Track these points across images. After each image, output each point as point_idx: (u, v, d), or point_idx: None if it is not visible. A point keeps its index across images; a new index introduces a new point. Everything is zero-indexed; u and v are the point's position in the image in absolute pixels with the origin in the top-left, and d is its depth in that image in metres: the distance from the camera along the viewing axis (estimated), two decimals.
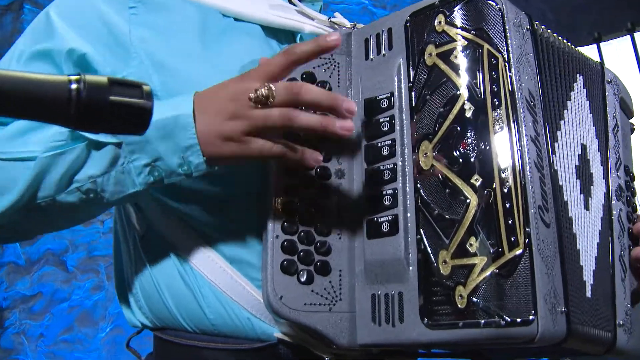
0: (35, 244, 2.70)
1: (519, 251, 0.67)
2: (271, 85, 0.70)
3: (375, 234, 0.75)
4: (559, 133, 0.80)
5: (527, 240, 0.68)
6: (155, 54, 0.82)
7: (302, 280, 0.75)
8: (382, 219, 0.74)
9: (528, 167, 0.71)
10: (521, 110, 0.73)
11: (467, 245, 0.68)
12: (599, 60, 1.32)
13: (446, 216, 0.70)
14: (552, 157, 0.76)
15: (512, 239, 0.67)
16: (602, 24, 2.35)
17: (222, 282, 0.82)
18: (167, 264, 0.86)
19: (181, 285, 0.84)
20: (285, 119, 0.70)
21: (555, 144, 0.79)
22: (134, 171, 0.73)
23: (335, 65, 0.84)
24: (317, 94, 0.71)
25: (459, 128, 0.72)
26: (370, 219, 0.76)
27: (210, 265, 0.83)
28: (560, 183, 0.78)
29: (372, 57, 0.83)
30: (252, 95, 0.70)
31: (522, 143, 0.72)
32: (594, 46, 2.24)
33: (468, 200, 0.69)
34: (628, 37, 2.24)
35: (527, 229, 0.68)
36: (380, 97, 0.79)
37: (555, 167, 0.76)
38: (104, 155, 0.73)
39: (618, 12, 2.34)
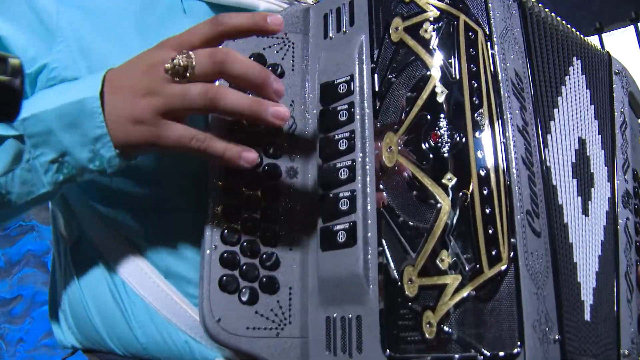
0: (15, 245, 2.58)
1: (501, 267, 0.54)
2: (190, 52, 0.57)
3: (329, 245, 0.62)
4: (552, 123, 0.67)
5: (512, 253, 0.55)
6: (84, 38, 0.70)
7: (244, 299, 0.62)
8: (338, 227, 0.61)
9: (514, 164, 0.58)
10: (506, 95, 0.60)
11: (437, 261, 0.55)
12: None
13: (413, 224, 0.57)
14: (544, 152, 0.63)
15: (494, 252, 0.54)
16: (604, 14, 2.21)
17: (156, 298, 0.70)
18: (95, 277, 0.73)
19: (109, 302, 0.72)
20: (207, 98, 0.57)
21: (548, 136, 0.66)
22: (40, 169, 0.61)
23: (289, 46, 0.72)
24: (245, 66, 0.57)
25: (429, 116, 0.59)
26: (324, 227, 0.63)
27: (142, 278, 0.70)
28: (554, 183, 0.65)
29: (331, 35, 0.70)
30: (167, 65, 0.56)
31: (507, 134, 0.59)
32: (596, 37, 2.11)
33: (439, 205, 0.56)
34: (632, 27, 2.10)
35: (512, 240, 0.55)
36: (338, 81, 0.66)
37: (548, 164, 0.63)
38: (4, 151, 0.60)
39: (621, 1, 2.21)
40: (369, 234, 0.60)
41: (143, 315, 0.70)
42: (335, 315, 0.60)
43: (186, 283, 0.69)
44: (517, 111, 0.61)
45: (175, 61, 0.56)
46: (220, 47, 0.59)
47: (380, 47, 0.64)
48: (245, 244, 0.64)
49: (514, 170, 0.58)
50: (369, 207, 0.60)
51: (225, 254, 0.63)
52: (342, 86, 0.65)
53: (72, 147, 0.60)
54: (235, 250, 0.63)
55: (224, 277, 0.62)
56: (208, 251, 0.63)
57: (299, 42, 0.72)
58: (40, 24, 0.69)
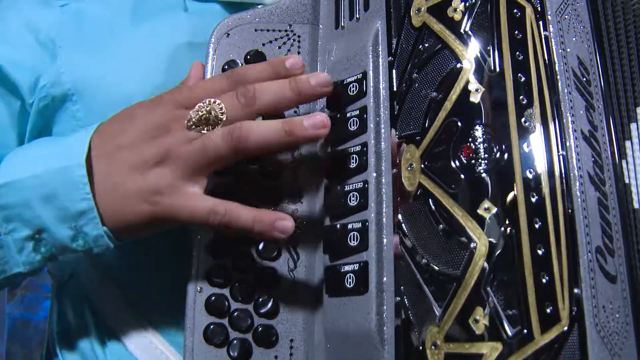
0: None
1: (560, 331, 0.39)
2: (214, 99, 0.49)
3: (336, 290, 0.48)
4: (632, 127, 0.51)
5: (575, 309, 0.40)
6: (70, 46, 0.61)
7: (234, 354, 0.50)
8: (346, 268, 0.48)
9: (578, 183, 0.43)
10: (565, 90, 0.45)
11: (470, 321, 0.41)
12: None
13: (438, 268, 0.43)
14: (621, 165, 0.47)
15: (549, 309, 0.39)
16: None
17: (144, 351, 0.59)
18: (80, 318, 0.64)
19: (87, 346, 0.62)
20: (232, 139, 0.47)
21: (627, 144, 0.49)
22: (13, 246, 0.51)
23: (294, 40, 0.59)
24: (272, 92, 0.49)
25: (459, 123, 0.45)
26: (330, 266, 0.50)
27: (130, 328, 0.60)
28: (636, 206, 0.48)
29: (343, 23, 0.57)
30: (190, 116, 0.49)
31: (568, 143, 0.43)
32: None
33: (473, 244, 0.42)
34: None
35: (575, 290, 0.40)
36: (348, 80, 0.53)
37: (627, 181, 0.47)
38: None
39: None
40: (385, 279, 0.46)
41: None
42: None
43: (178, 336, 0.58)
44: (581, 111, 0.45)
45: (201, 112, 0.49)
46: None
47: (399, 35, 0.50)
48: (237, 284, 0.52)
49: (578, 193, 0.42)
50: (384, 244, 0.47)
51: (213, 298, 0.51)
52: (353, 86, 0.52)
53: (50, 223, 0.50)
54: (223, 293, 0.52)
55: (210, 326, 0.51)
56: (192, 294, 0.51)
57: (305, 34, 0.59)
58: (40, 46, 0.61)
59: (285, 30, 0.59)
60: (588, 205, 0.43)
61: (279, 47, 0.58)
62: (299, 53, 0.58)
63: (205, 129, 0.48)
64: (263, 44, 0.58)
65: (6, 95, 0.60)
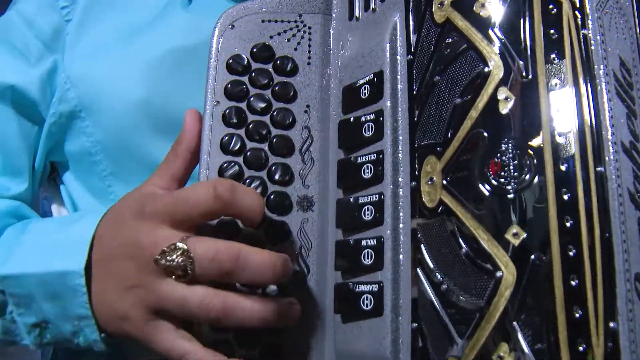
0: None
1: None
2: (187, 248, 0.43)
3: (350, 314, 0.45)
4: None
5: (610, 344, 0.36)
6: (72, 57, 0.62)
7: None
8: (361, 288, 0.45)
9: (616, 203, 0.39)
10: (605, 96, 0.40)
11: (493, 357, 0.37)
12: None
13: (461, 297, 0.39)
14: None
15: (581, 347, 0.36)
16: None
17: None
18: None
19: None
20: (210, 316, 0.43)
21: None
22: (22, 328, 0.52)
23: (304, 32, 0.54)
24: (257, 271, 0.43)
25: (486, 134, 0.40)
26: (343, 284, 0.46)
27: None
28: None
29: (357, 14, 0.52)
30: (160, 261, 0.43)
31: (607, 158, 0.39)
32: None
33: (499, 273, 0.38)
34: None
35: (610, 325, 0.36)
36: (363, 80, 0.48)
37: None
38: None
39: None
40: (401, 302, 0.42)
41: None
42: None
43: None
44: (622, 120, 0.41)
45: (169, 258, 0.43)
46: (230, 245, 0.44)
47: (420, 31, 0.46)
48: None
49: (617, 214, 0.38)
50: (401, 264, 0.43)
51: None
52: (367, 87, 0.47)
53: (54, 318, 0.50)
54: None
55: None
56: None
57: (317, 25, 0.54)
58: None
59: (295, 21, 0.54)
60: (627, 226, 0.39)
61: (288, 40, 0.54)
62: (309, 47, 0.54)
63: (174, 277, 0.44)
64: (271, 37, 0.54)
65: (19, 115, 0.60)
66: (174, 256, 0.43)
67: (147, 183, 0.49)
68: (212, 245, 0.43)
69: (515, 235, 0.38)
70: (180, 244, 0.43)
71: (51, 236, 0.52)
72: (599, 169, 0.39)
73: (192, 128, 0.50)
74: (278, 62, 0.53)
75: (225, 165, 0.49)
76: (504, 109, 0.40)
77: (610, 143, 0.40)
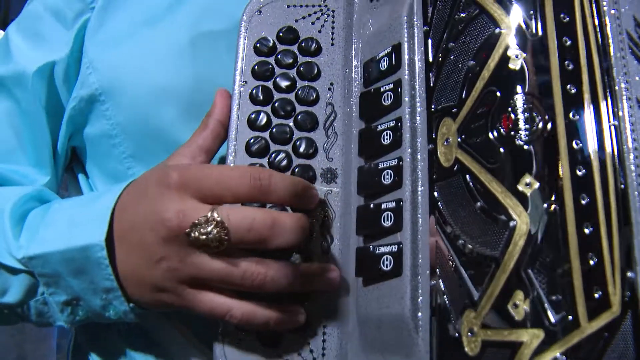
0: None
1: (610, 318, 0.35)
2: (222, 219, 0.42)
3: (369, 273, 0.46)
4: None
5: (628, 294, 0.36)
6: (95, 43, 0.62)
7: (265, 341, 0.49)
8: (381, 250, 0.46)
9: (632, 156, 0.39)
10: (618, 55, 0.41)
11: (509, 306, 0.37)
12: None
13: (477, 250, 0.40)
14: None
15: (597, 294, 0.36)
16: None
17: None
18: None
19: None
20: (254, 284, 0.44)
21: None
22: (55, 307, 0.53)
23: (328, 15, 0.56)
24: (290, 237, 0.44)
25: (498, 92, 0.41)
26: (364, 248, 0.47)
27: None
28: None
29: None
30: (197, 237, 0.42)
31: (621, 113, 0.39)
32: None
33: (512, 223, 0.38)
34: None
35: (628, 274, 0.36)
36: (382, 54, 0.50)
37: None
38: (18, 284, 0.53)
39: None
40: (420, 261, 0.43)
41: None
42: None
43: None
44: (637, 78, 0.41)
45: (203, 231, 0.42)
46: (264, 213, 0.44)
47: (436, 2, 0.47)
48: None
49: (632, 167, 0.38)
50: (420, 224, 0.44)
51: None
52: (386, 59, 0.49)
53: (83, 293, 0.50)
54: None
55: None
56: None
57: (340, 9, 0.56)
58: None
59: (319, 5, 0.56)
60: None
61: (313, 23, 0.56)
62: (332, 29, 0.56)
63: (207, 250, 0.43)
64: (296, 20, 0.56)
65: (45, 104, 0.61)
66: (209, 228, 0.42)
67: (174, 155, 0.50)
68: (248, 215, 0.42)
69: (527, 185, 0.38)
70: (214, 215, 0.42)
71: (72, 213, 0.52)
72: (613, 122, 0.39)
73: (221, 102, 0.51)
74: (303, 43, 0.55)
75: (252, 140, 0.51)
76: (515, 65, 0.41)
77: (624, 98, 0.40)
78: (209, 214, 0.42)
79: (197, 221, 0.42)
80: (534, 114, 0.39)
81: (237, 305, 0.45)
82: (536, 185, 0.38)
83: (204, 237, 0.42)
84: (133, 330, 0.60)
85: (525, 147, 0.39)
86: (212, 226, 0.42)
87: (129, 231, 0.47)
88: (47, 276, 0.51)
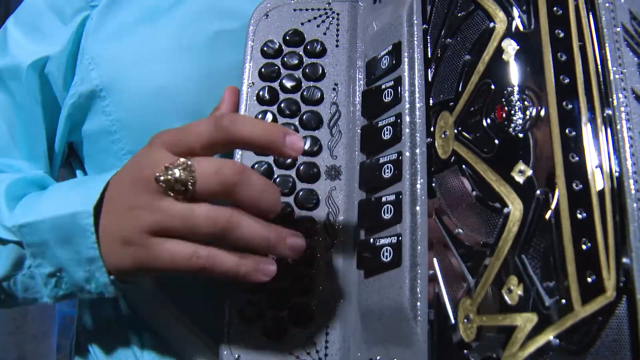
0: None
1: (604, 302, 0.36)
2: (190, 162, 0.43)
3: (371, 268, 0.47)
4: None
5: (622, 279, 0.36)
6: (96, 39, 0.63)
7: (267, 330, 0.50)
8: (381, 242, 0.46)
9: (627, 144, 0.39)
10: (613, 46, 0.41)
11: (503, 292, 0.38)
12: None
13: (472, 237, 0.40)
14: None
15: (590, 279, 0.36)
16: None
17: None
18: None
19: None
20: (216, 228, 0.43)
21: None
22: (39, 279, 0.53)
23: (333, 17, 0.58)
24: (260, 195, 0.43)
25: (492, 85, 0.42)
26: (364, 240, 0.48)
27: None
28: None
29: None
30: (160, 176, 0.43)
31: (615, 103, 0.40)
32: None
33: (506, 209, 0.39)
34: None
35: (624, 260, 0.36)
36: (383, 52, 0.51)
37: None
38: (6, 255, 0.54)
39: None
40: (418, 252, 0.44)
41: None
42: (378, 358, 0.45)
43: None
44: (632, 68, 0.42)
45: (170, 172, 0.42)
46: (235, 162, 0.44)
47: (434, 1, 0.48)
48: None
49: (627, 155, 0.39)
50: (418, 215, 0.45)
51: None
52: (387, 58, 0.50)
53: (67, 264, 0.51)
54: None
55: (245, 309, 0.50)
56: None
57: (345, 12, 0.58)
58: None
59: (325, 9, 0.58)
60: (639, 167, 0.39)
61: (318, 26, 0.58)
62: (337, 31, 0.57)
63: (171, 193, 0.43)
64: (302, 23, 0.58)
65: (41, 99, 0.61)
66: (175, 170, 0.42)
67: None
68: (216, 160, 0.43)
69: (521, 172, 0.39)
70: (182, 159, 0.43)
71: (70, 187, 0.53)
72: (607, 111, 0.40)
73: (230, 99, 0.53)
74: (308, 45, 0.56)
75: None
76: (508, 57, 0.42)
77: (619, 87, 0.40)
78: (181, 160, 0.43)
79: (167, 165, 0.43)
80: (527, 103, 0.40)
81: (202, 247, 0.44)
82: (529, 172, 0.39)
83: (169, 177, 0.42)
84: (134, 323, 0.61)
85: (519, 135, 0.40)
86: (180, 168, 0.42)
87: (115, 196, 0.48)
88: (34, 245, 0.51)
